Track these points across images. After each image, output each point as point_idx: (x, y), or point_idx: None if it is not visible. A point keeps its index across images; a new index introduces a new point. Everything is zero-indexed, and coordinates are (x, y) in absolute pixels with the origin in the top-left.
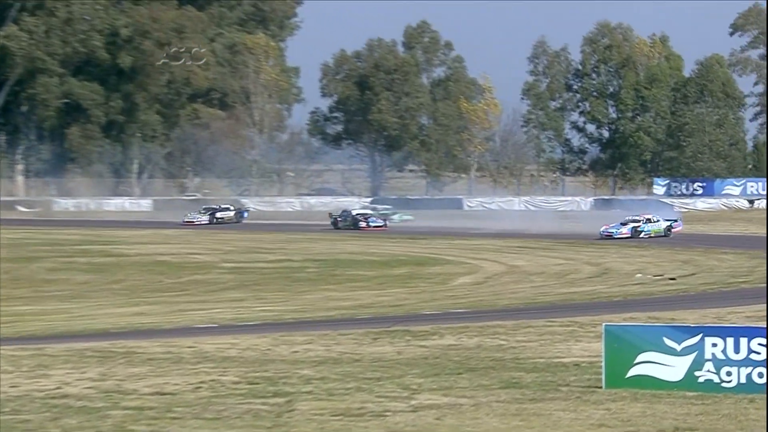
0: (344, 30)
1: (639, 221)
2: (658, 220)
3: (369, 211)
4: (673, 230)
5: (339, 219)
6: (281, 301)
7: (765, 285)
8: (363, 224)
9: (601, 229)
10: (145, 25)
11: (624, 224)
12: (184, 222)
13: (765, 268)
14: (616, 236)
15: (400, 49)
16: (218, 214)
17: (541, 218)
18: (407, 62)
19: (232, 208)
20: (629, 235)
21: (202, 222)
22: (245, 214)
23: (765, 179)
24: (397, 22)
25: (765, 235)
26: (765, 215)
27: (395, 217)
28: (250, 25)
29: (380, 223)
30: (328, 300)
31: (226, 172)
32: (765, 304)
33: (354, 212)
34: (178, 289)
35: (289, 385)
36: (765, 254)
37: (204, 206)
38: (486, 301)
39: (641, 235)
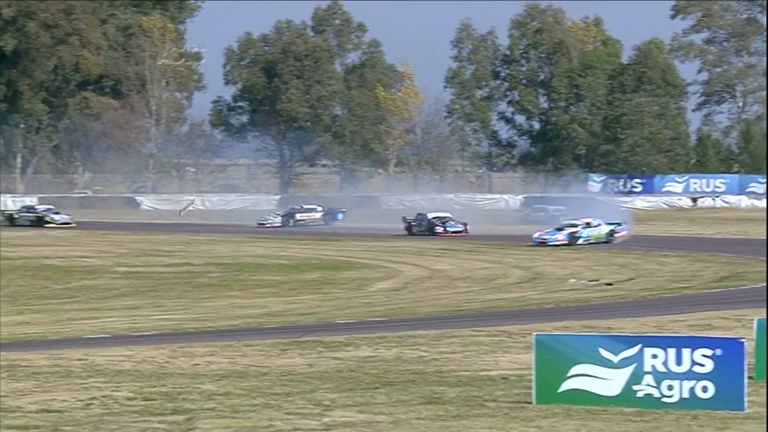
0: (250, 11)
1: (577, 226)
2: (599, 225)
3: (447, 215)
4: (616, 235)
5: (414, 224)
6: (181, 309)
7: None
8: (440, 229)
9: (535, 236)
10: (30, 5)
11: (560, 229)
12: (258, 224)
13: (711, 270)
14: (550, 243)
15: (311, 33)
16: (298, 216)
17: (467, 217)
18: (318, 47)
19: (319, 208)
20: (566, 242)
21: (274, 224)
22: (340, 216)
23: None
24: (308, 2)
25: (745, 237)
26: (739, 215)
27: None
28: (146, 5)
29: (459, 228)
30: (232, 307)
31: (120, 167)
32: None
33: (430, 216)
34: (67, 295)
35: (189, 401)
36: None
37: (293, 206)
38: (406, 309)
39: (579, 242)
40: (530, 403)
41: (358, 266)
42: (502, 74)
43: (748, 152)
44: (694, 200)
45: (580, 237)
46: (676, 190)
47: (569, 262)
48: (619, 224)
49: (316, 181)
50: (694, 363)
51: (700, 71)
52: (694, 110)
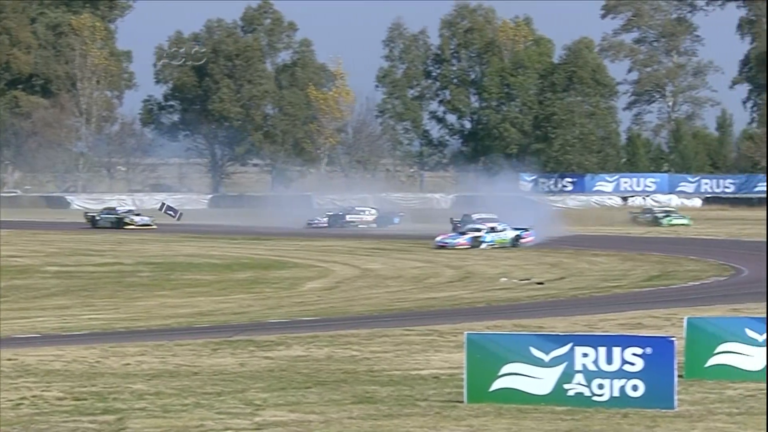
0: (181, 10)
1: (480, 230)
2: (504, 229)
3: (493, 215)
4: (522, 240)
5: (459, 224)
6: (111, 309)
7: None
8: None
9: (437, 239)
10: None
11: (463, 233)
12: (307, 224)
13: (647, 269)
14: (451, 247)
15: (242, 32)
16: (348, 217)
17: (397, 216)
18: (249, 46)
19: (372, 210)
20: (468, 246)
21: (320, 225)
22: (396, 220)
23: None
24: (239, 2)
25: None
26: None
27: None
28: (76, 4)
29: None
30: (163, 307)
31: (50, 166)
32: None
33: (475, 217)
34: None
35: (120, 401)
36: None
37: (348, 207)
38: (337, 308)
39: (482, 246)
40: (461, 402)
41: (289, 266)
42: (434, 74)
43: (678, 151)
44: (625, 199)
45: (483, 242)
46: (606, 190)
47: (500, 261)
48: (525, 230)
49: (247, 180)
50: (624, 362)
51: (630, 71)
52: (624, 109)
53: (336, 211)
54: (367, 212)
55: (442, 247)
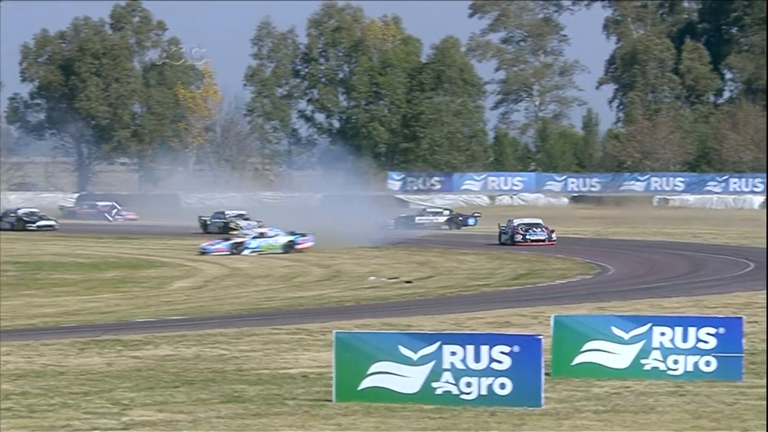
0: (47, 7)
1: (246, 236)
2: (275, 235)
3: (536, 220)
4: (297, 246)
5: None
6: None
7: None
8: (518, 237)
9: (202, 245)
10: None
11: (227, 239)
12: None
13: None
14: (210, 253)
15: (110, 30)
16: (418, 218)
17: (267, 215)
18: (117, 45)
19: (445, 212)
20: (228, 252)
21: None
22: (472, 221)
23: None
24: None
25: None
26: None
27: None
28: None
29: (542, 236)
30: (29, 306)
31: None
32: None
33: (516, 222)
34: None
35: None
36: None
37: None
38: (206, 307)
39: (245, 252)
40: (330, 401)
41: (157, 265)
42: (302, 73)
43: (545, 150)
44: (492, 198)
45: (247, 248)
46: (474, 188)
47: (369, 260)
48: (303, 235)
49: (115, 179)
50: (492, 360)
51: (497, 70)
52: (491, 109)
53: (406, 213)
54: (439, 214)
55: (204, 253)
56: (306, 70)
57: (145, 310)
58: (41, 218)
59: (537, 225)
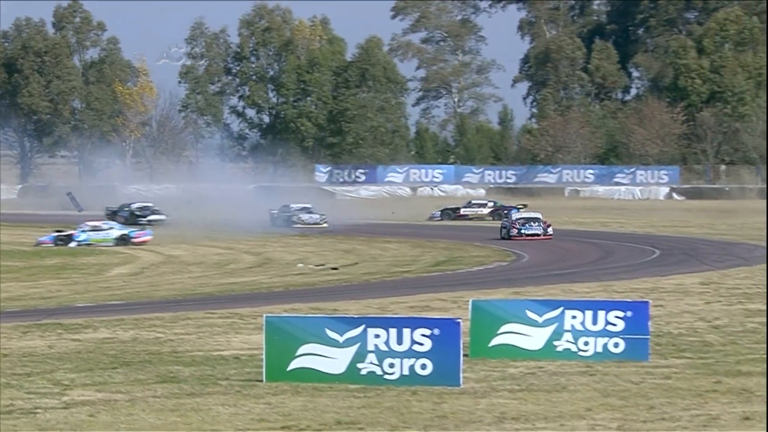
0: None
1: (76, 229)
2: (110, 228)
3: (535, 214)
4: (134, 240)
5: (502, 227)
6: None
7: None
8: (514, 231)
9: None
10: None
11: (58, 231)
12: (430, 217)
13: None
14: (42, 245)
15: (51, 29)
16: (463, 210)
17: (201, 206)
18: (58, 44)
19: (489, 203)
20: (52, 244)
21: (435, 218)
22: (514, 212)
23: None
24: (49, 2)
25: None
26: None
27: None
28: None
29: (537, 231)
30: None
31: None
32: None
33: (514, 216)
34: None
35: None
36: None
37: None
38: (143, 293)
39: (71, 245)
40: (261, 381)
41: (96, 252)
42: (234, 70)
43: (463, 144)
44: (414, 189)
45: (74, 240)
46: (397, 180)
47: (297, 248)
48: (142, 229)
49: (56, 171)
50: (413, 342)
51: (418, 68)
52: (413, 105)
53: (449, 205)
54: (483, 206)
55: (39, 245)
56: (237, 68)
57: (85, 295)
58: (153, 212)
59: (535, 219)
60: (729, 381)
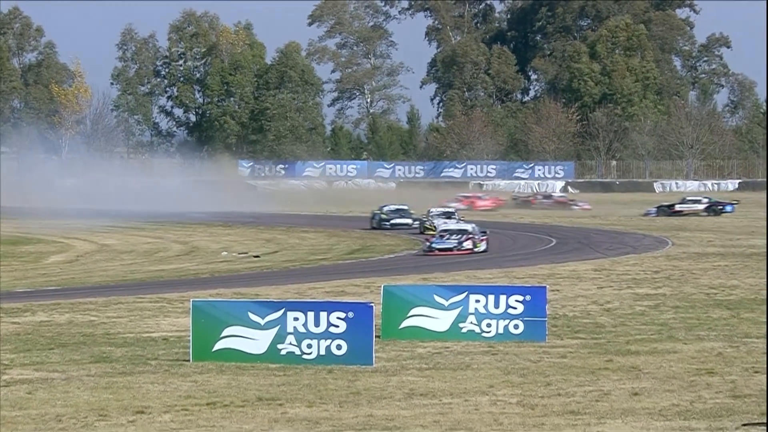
0: None
1: None
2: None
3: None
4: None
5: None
6: None
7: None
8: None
9: None
10: None
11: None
12: (645, 214)
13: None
14: None
15: None
16: (678, 206)
17: (131, 199)
18: None
19: (704, 200)
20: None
21: (650, 214)
22: (729, 208)
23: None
24: None
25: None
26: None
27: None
28: None
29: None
30: None
31: None
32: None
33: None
34: None
35: None
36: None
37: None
38: (78, 279)
39: None
40: (188, 361)
41: (34, 241)
42: (162, 73)
43: (375, 142)
44: (330, 183)
45: None
46: (314, 175)
47: (222, 237)
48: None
49: None
50: (329, 324)
51: (333, 71)
52: (329, 105)
53: (667, 201)
54: (698, 202)
55: None
56: (166, 70)
57: (24, 281)
58: (402, 216)
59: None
60: (619, 359)
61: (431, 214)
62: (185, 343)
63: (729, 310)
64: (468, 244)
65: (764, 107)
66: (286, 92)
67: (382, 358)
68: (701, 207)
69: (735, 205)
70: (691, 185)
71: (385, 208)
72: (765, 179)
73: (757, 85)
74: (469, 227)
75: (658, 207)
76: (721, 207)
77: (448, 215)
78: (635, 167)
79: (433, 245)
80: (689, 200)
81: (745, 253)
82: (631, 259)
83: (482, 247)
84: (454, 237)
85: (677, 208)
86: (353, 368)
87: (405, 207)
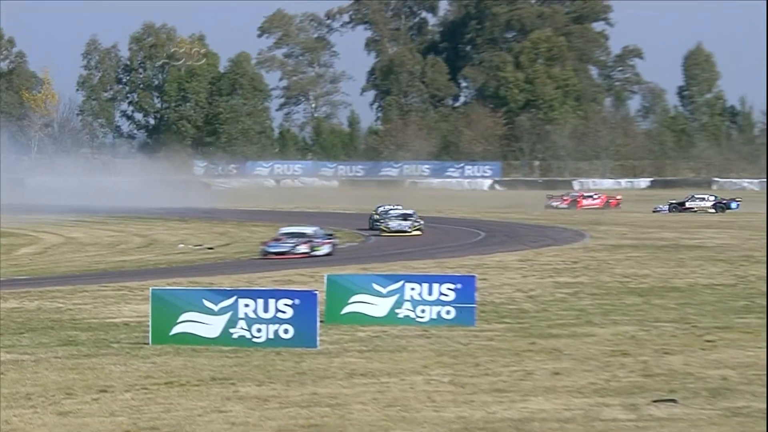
0: None
1: None
2: None
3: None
4: None
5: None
6: None
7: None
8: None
9: None
10: None
11: None
12: (653, 210)
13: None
14: None
15: None
16: (688, 203)
17: (95, 196)
18: None
19: (711, 198)
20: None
21: (662, 210)
22: (734, 205)
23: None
24: None
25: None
26: (312, 193)
27: None
28: None
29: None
30: None
31: None
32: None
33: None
34: None
35: None
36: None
37: (693, 196)
38: (46, 269)
39: None
40: (147, 344)
41: (6, 234)
42: (124, 80)
43: (319, 143)
44: (278, 181)
45: None
46: (264, 174)
47: (179, 231)
48: None
49: None
50: (278, 311)
51: (281, 79)
52: (276, 110)
53: (678, 200)
54: (704, 200)
55: None
56: (127, 78)
57: None
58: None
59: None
60: (542, 342)
61: (389, 214)
62: (145, 327)
63: (641, 296)
64: (303, 248)
65: (673, 112)
66: (238, 98)
67: (326, 341)
68: (709, 204)
69: (740, 203)
70: (607, 183)
71: (380, 209)
72: (680, 177)
73: (667, 92)
74: (310, 230)
75: (669, 204)
76: (726, 204)
77: (405, 216)
78: (556, 167)
79: (268, 249)
80: (698, 198)
81: (655, 245)
82: (552, 250)
83: (324, 250)
84: (290, 241)
85: (688, 205)
86: (299, 350)
87: (403, 209)
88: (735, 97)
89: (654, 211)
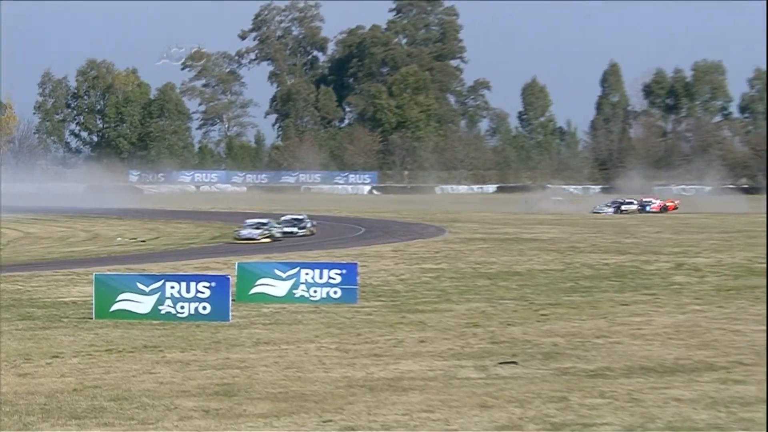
0: None
1: None
2: None
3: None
4: None
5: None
6: None
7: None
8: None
9: None
10: None
11: None
12: (592, 212)
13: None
14: None
15: None
16: (623, 207)
17: (50, 199)
18: None
19: (635, 201)
20: None
21: (607, 213)
22: (648, 208)
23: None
24: None
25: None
26: (227, 197)
27: None
28: None
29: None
30: None
31: None
32: None
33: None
34: None
35: None
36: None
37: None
38: (8, 258)
39: None
40: (91, 319)
41: None
42: (72, 105)
43: (231, 157)
44: (198, 187)
45: None
46: (186, 181)
47: (118, 227)
48: None
49: None
50: (198, 291)
51: (200, 104)
52: (197, 129)
53: (614, 203)
54: (632, 203)
55: None
56: (75, 103)
57: None
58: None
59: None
60: (410, 316)
61: (281, 219)
62: (89, 305)
63: (489, 279)
64: (264, 234)
65: (515, 132)
66: (165, 120)
67: (237, 316)
68: (635, 207)
69: (650, 206)
70: (462, 189)
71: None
72: (520, 183)
73: (510, 116)
74: (272, 221)
75: (610, 203)
76: (645, 206)
77: (294, 223)
78: (421, 176)
79: (240, 234)
80: (627, 202)
81: (500, 238)
82: (419, 242)
83: (279, 235)
84: (255, 230)
85: (623, 208)
86: (215, 324)
87: (299, 216)
88: (563, 120)
89: (593, 212)
